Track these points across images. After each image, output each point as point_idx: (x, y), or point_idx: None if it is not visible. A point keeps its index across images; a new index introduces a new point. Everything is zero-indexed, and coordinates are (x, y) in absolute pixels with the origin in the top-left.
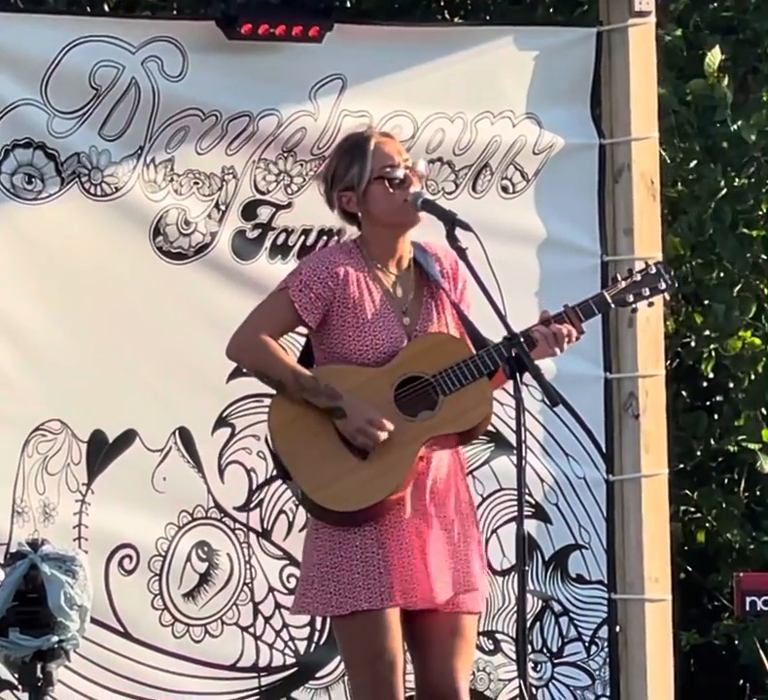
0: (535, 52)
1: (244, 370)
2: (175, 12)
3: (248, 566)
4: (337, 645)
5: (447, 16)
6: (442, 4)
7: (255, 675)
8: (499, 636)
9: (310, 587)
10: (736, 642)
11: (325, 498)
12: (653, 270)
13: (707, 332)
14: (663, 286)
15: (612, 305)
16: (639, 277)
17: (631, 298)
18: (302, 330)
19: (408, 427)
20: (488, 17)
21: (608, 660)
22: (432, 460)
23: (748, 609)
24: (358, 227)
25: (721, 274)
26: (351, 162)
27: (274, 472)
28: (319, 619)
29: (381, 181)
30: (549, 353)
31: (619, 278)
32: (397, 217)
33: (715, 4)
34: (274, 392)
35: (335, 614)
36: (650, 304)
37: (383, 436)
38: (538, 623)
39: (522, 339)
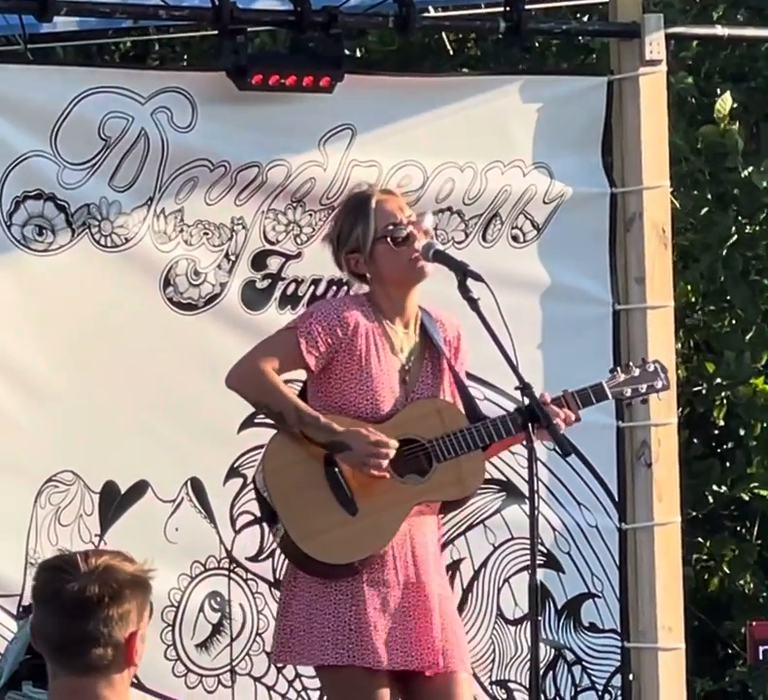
0: (544, 101)
1: (256, 420)
2: (185, 62)
3: (260, 616)
4: None
5: (457, 64)
6: (452, 53)
7: None
8: (511, 685)
9: (289, 637)
10: (750, 689)
11: (312, 548)
12: (651, 368)
13: (718, 380)
14: (659, 385)
15: (610, 398)
16: (637, 372)
17: (628, 393)
18: (301, 374)
19: (400, 488)
20: (497, 66)
21: None
22: (414, 524)
23: (761, 658)
24: (368, 285)
25: (733, 321)
26: (354, 224)
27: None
28: None
29: (385, 240)
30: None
31: (618, 370)
32: (403, 275)
33: (727, 52)
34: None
35: (313, 665)
36: (644, 401)
37: (391, 453)
38: (551, 672)
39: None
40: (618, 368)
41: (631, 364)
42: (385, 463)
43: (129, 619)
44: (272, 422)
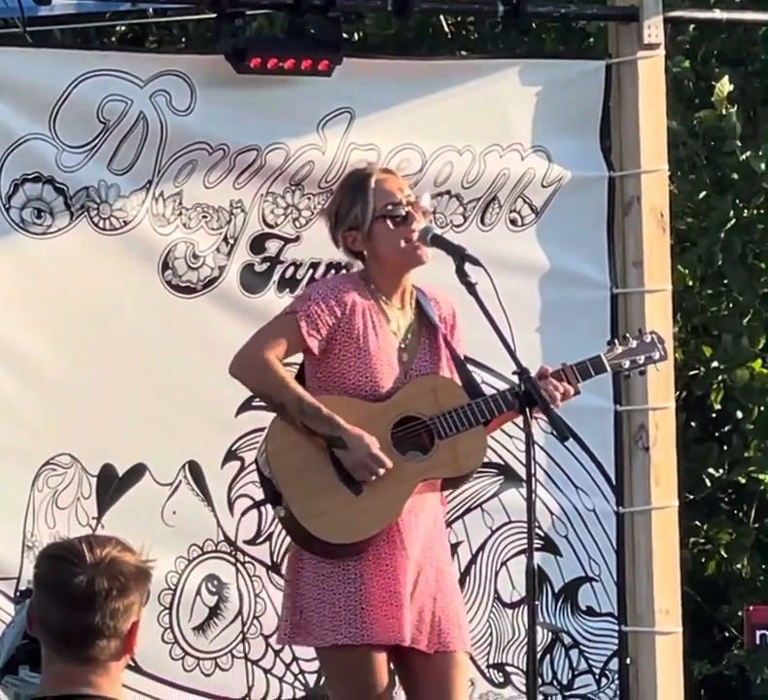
0: (543, 85)
1: (253, 403)
2: (184, 45)
3: (258, 599)
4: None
5: (455, 47)
6: (450, 37)
7: None
8: (508, 668)
9: (293, 617)
10: (747, 673)
11: (316, 527)
12: (648, 339)
13: (715, 364)
14: (657, 356)
15: (609, 370)
16: (634, 344)
17: (627, 364)
18: (298, 357)
19: (403, 466)
20: (495, 50)
21: (618, 693)
22: (417, 500)
23: (758, 642)
24: (363, 263)
25: (731, 305)
26: (353, 201)
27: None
28: None
29: (383, 219)
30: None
31: (616, 343)
32: (400, 255)
33: (724, 36)
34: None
35: (318, 646)
36: (642, 373)
37: (382, 471)
38: (548, 656)
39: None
40: (616, 341)
41: (628, 335)
42: (373, 478)
43: (133, 611)
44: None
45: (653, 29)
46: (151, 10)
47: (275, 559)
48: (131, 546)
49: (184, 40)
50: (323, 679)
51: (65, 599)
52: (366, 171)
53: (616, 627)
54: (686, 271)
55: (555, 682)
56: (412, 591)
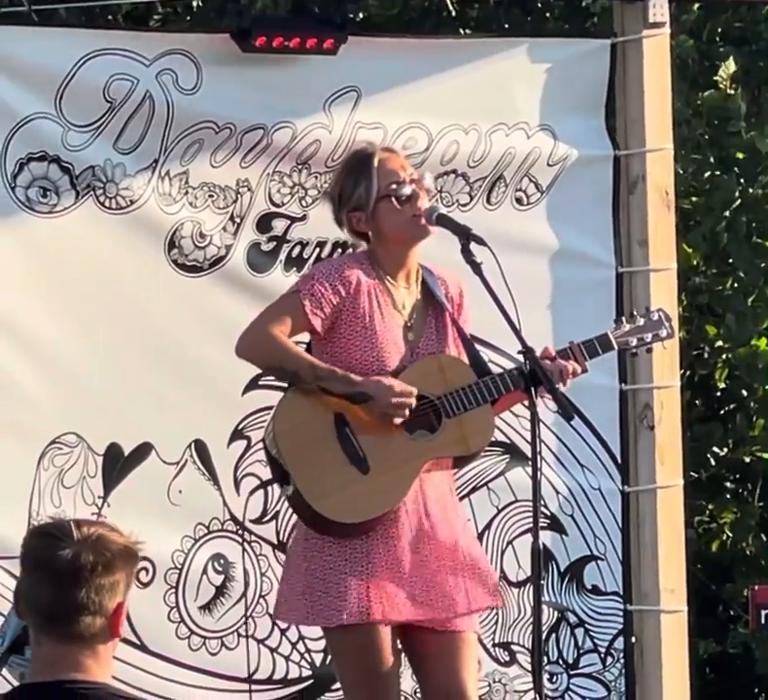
0: (549, 64)
1: (260, 382)
2: (189, 24)
3: (264, 578)
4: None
5: (458, 26)
6: (454, 15)
7: (271, 687)
8: (514, 647)
9: (299, 597)
10: (754, 651)
11: (324, 507)
12: (655, 317)
13: (720, 343)
14: (664, 333)
15: (616, 347)
16: (642, 322)
17: (634, 342)
18: (305, 336)
19: (411, 445)
20: (500, 29)
21: (623, 671)
22: (425, 479)
23: (763, 622)
24: (367, 243)
25: (735, 284)
26: (357, 182)
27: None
28: None
29: (388, 199)
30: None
31: (623, 321)
32: (406, 233)
33: (728, 15)
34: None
35: (324, 626)
36: (649, 351)
37: (413, 402)
38: (553, 634)
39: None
40: (623, 319)
41: (636, 313)
42: (407, 412)
43: (118, 590)
44: (284, 384)
45: (658, 8)
46: None
47: (281, 538)
48: (121, 530)
49: (189, 19)
50: (329, 658)
51: (51, 574)
52: (367, 151)
53: (622, 606)
54: (691, 250)
55: (560, 661)
56: (425, 568)
